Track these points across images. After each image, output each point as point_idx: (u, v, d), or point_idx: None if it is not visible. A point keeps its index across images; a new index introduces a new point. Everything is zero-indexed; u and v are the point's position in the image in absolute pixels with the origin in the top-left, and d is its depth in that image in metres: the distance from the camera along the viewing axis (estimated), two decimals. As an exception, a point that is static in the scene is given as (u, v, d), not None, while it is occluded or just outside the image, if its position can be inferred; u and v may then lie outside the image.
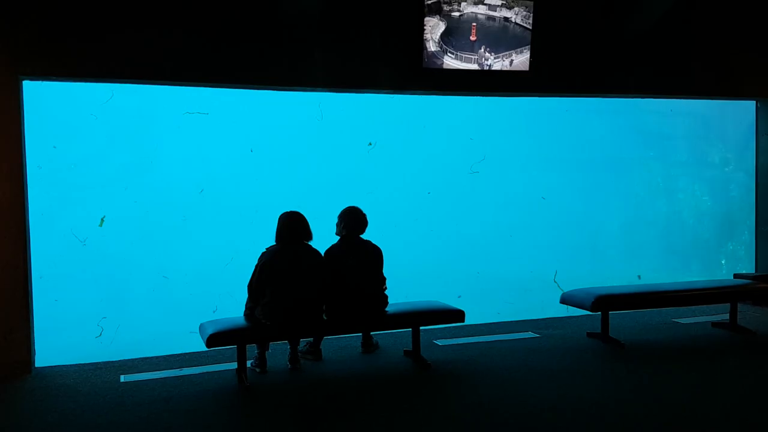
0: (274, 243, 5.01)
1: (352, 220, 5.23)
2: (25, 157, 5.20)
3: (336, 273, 5.06)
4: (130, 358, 5.62)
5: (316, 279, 4.94)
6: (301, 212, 5.08)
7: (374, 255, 5.25)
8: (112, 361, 5.51)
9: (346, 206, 5.32)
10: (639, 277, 13.27)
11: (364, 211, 5.30)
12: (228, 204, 13.09)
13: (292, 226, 4.99)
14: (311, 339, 5.50)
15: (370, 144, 12.68)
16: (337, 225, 5.29)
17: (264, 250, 4.98)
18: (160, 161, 12.44)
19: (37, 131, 5.96)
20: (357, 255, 5.16)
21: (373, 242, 5.31)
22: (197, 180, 12.38)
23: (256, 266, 4.93)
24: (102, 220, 11.15)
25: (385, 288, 5.31)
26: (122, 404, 4.40)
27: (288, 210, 5.09)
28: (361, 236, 5.27)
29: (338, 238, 5.27)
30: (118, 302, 11.13)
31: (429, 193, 14.47)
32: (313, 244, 5.07)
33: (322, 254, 5.10)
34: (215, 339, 4.63)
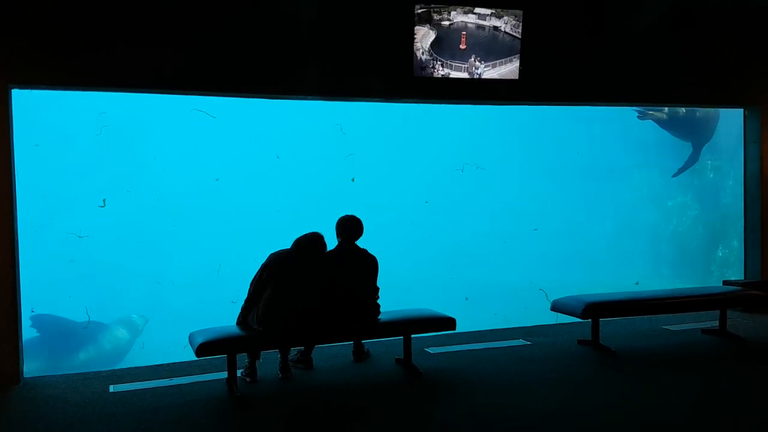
0: (290, 246, 5.06)
1: (346, 228, 5.28)
2: (14, 164, 5.16)
3: (329, 278, 5.07)
4: (119, 368, 5.59)
5: (316, 289, 4.96)
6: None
7: (368, 264, 5.25)
8: (101, 371, 5.47)
9: (342, 215, 5.36)
10: (637, 283, 13.36)
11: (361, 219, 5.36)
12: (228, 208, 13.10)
13: (313, 247, 5.06)
14: (302, 347, 5.49)
15: (353, 180, 12.84)
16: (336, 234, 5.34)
17: (274, 251, 5.02)
18: (159, 165, 12.44)
19: (26, 129, 5.90)
20: (350, 262, 5.18)
21: (370, 251, 5.32)
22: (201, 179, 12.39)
23: (262, 265, 4.96)
24: (104, 201, 11.19)
25: (378, 297, 5.30)
26: (112, 414, 4.37)
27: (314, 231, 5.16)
28: (358, 244, 5.29)
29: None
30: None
31: (426, 203, 14.54)
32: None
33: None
34: (205, 348, 4.60)
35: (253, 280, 4.97)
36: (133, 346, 11.04)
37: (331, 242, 5.28)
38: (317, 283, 4.99)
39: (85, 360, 10.22)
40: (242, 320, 4.99)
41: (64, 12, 5.19)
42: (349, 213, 5.41)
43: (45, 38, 5.14)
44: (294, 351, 5.47)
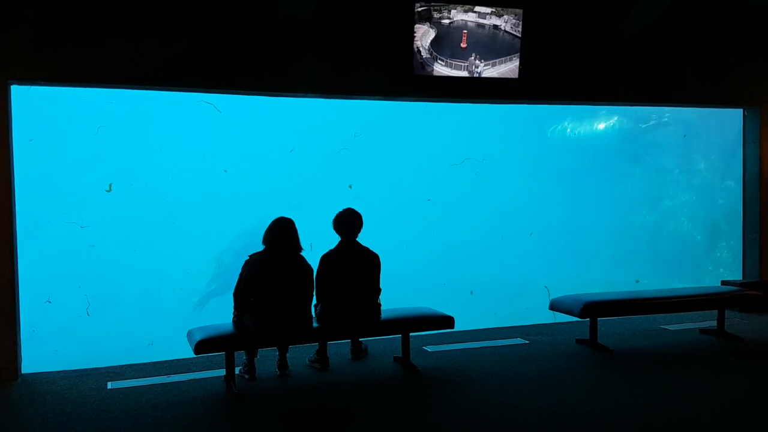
0: (262, 246, 4.97)
1: (344, 224, 5.19)
2: (13, 161, 5.16)
3: (330, 278, 5.04)
4: (117, 364, 5.59)
5: (302, 285, 4.91)
6: (293, 219, 4.99)
7: (370, 262, 5.19)
8: (99, 368, 5.47)
9: (339, 210, 5.25)
10: (637, 281, 13.38)
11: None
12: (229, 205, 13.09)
13: (280, 232, 4.91)
14: (317, 346, 5.43)
15: (350, 187, 12.89)
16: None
17: (247, 257, 4.92)
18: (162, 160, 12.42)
19: (23, 124, 5.89)
20: (352, 261, 5.12)
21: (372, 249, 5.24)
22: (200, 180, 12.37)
23: (240, 276, 4.88)
24: (110, 185, 11.20)
25: (379, 297, 5.26)
26: (109, 411, 4.37)
27: (280, 216, 5.02)
28: (359, 241, 5.22)
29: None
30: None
31: (429, 200, 14.54)
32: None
33: (319, 259, 5.08)
34: (203, 346, 4.60)
35: (235, 292, 4.89)
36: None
37: (331, 240, 5.24)
38: (299, 277, 4.89)
39: None
40: (238, 321, 4.94)
41: (63, 9, 5.18)
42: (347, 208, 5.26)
43: (44, 35, 5.13)
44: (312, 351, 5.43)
